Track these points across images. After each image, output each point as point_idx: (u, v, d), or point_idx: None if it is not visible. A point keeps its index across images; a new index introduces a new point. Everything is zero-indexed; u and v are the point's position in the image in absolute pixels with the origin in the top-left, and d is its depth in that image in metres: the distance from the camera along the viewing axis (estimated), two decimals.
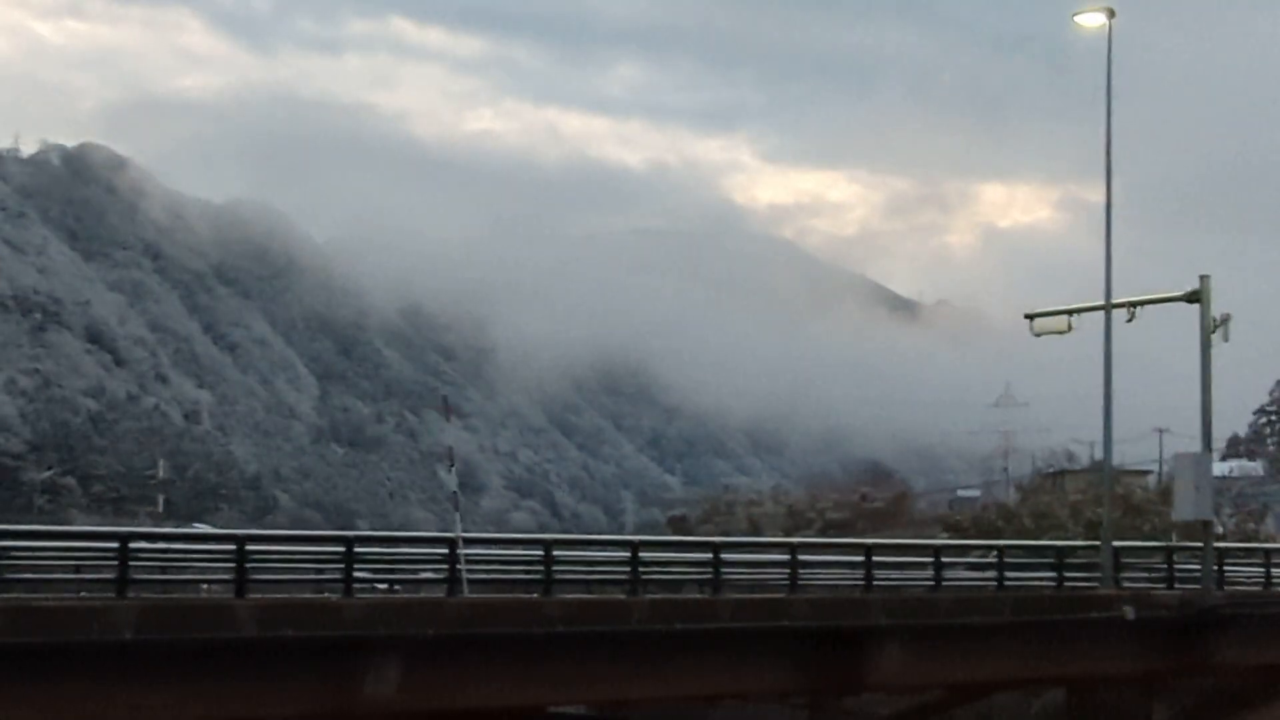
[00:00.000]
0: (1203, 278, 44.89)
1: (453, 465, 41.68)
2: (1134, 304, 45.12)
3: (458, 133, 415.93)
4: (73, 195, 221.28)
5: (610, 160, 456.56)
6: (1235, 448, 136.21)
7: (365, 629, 34.22)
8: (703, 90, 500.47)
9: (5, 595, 31.77)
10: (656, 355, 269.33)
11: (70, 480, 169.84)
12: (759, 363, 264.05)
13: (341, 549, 35.86)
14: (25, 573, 33.09)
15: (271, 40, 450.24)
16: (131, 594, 33.76)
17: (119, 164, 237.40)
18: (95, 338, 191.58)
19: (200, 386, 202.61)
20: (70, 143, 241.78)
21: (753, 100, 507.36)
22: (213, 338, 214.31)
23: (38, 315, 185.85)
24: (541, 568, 36.92)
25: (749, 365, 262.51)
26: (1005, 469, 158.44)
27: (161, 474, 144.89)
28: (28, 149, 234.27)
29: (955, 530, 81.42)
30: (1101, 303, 45.29)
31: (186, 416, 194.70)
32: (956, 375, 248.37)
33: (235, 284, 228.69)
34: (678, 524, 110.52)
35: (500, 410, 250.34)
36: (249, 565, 34.47)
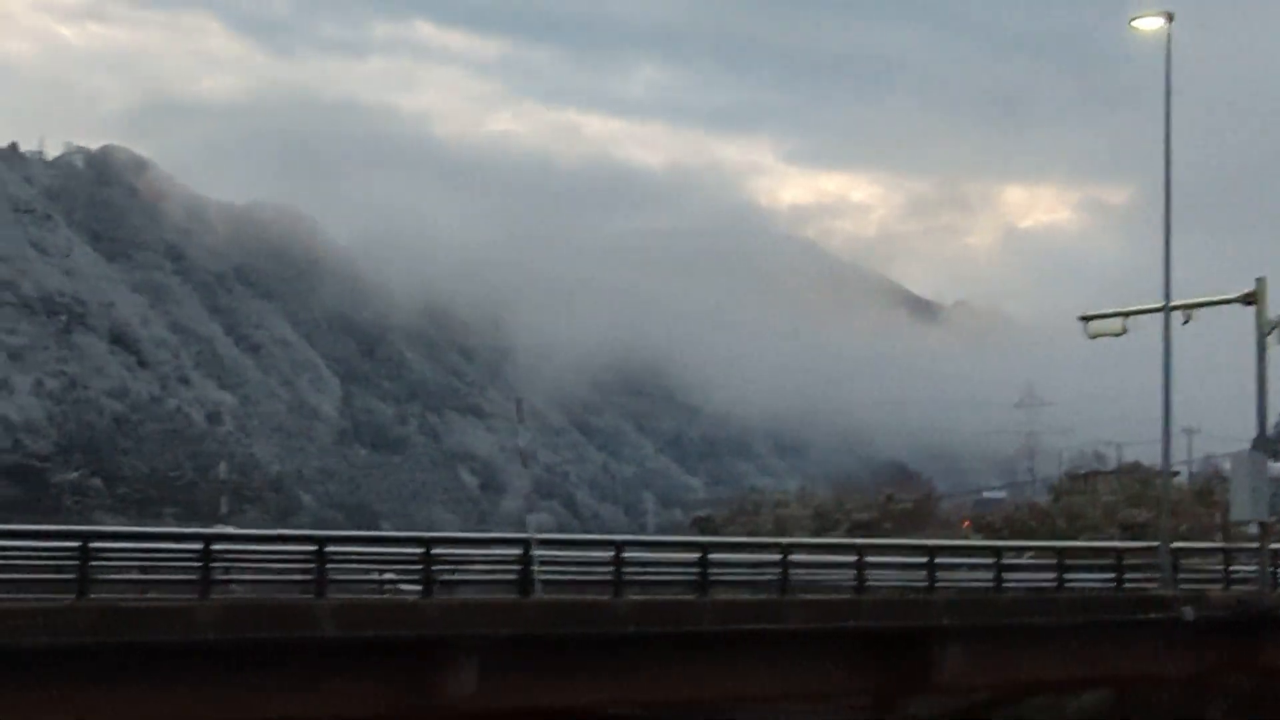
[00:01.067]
0: (1259, 280, 45.18)
1: (526, 464, 41.91)
2: (1191, 306, 45.35)
3: (478, 134, 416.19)
4: (96, 197, 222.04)
5: (631, 162, 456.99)
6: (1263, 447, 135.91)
7: (444, 629, 34.67)
8: (723, 91, 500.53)
9: (92, 596, 32.15)
10: (677, 356, 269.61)
11: (97, 481, 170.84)
12: (780, 363, 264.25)
13: (420, 550, 36.17)
14: (111, 574, 33.43)
15: (293, 42, 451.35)
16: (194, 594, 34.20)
17: (141, 166, 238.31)
18: (119, 339, 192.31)
19: (223, 388, 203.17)
20: (93, 145, 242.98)
21: (774, 101, 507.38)
22: (235, 339, 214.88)
23: (63, 317, 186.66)
24: (611, 569, 37.21)
25: (770, 366, 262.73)
26: (1030, 469, 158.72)
27: (224, 475, 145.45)
28: (52, 152, 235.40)
29: (987, 531, 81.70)
30: (1157, 305, 45.54)
31: (209, 418, 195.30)
32: (977, 376, 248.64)
33: (257, 285, 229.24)
34: (703, 525, 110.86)
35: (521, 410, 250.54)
36: (329, 566, 34.79)
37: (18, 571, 33.12)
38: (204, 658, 32.74)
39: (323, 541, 35.37)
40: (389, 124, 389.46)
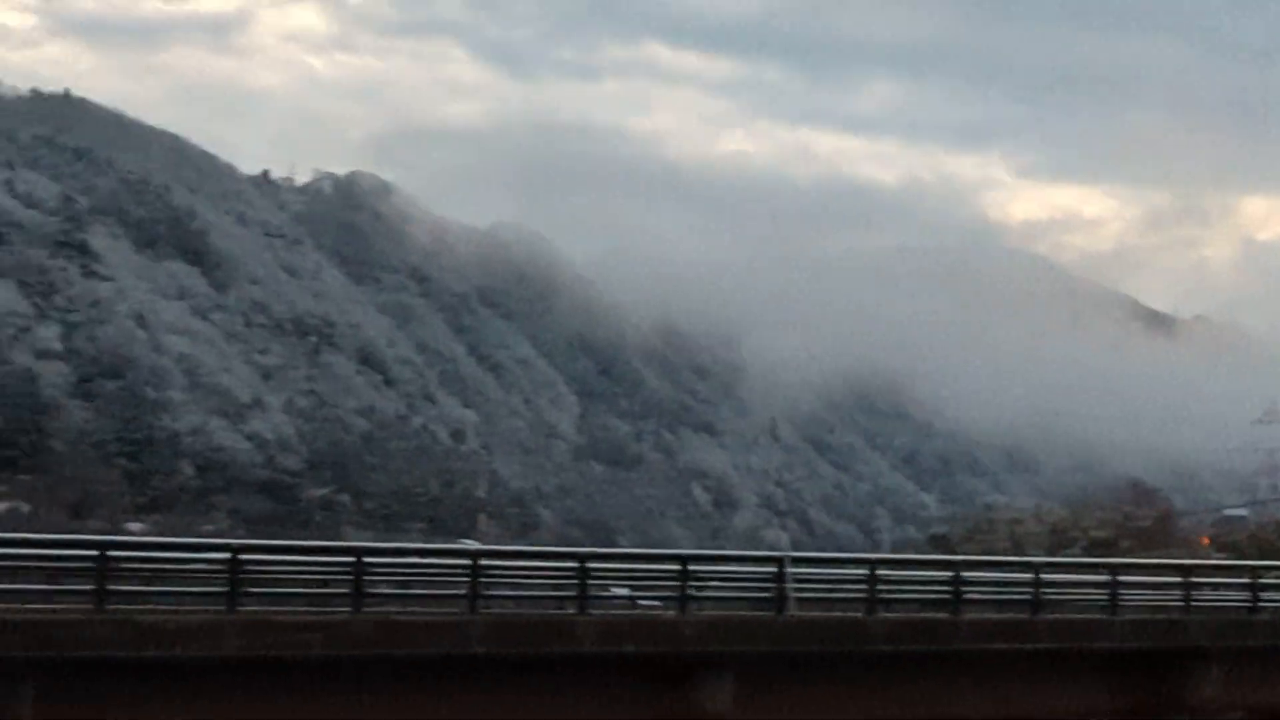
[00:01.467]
0: None
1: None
2: None
3: (711, 154, 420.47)
4: (343, 222, 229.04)
5: (864, 179, 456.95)
6: None
7: (701, 646, 35.70)
8: (957, 107, 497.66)
9: (375, 609, 33.80)
10: (910, 372, 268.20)
11: (345, 497, 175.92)
12: (1014, 379, 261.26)
13: (677, 567, 37.23)
14: (385, 587, 35.07)
15: (533, 68, 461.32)
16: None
17: (385, 191, 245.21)
18: (366, 359, 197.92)
19: (466, 406, 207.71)
20: (341, 171, 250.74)
21: (1008, 116, 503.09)
22: (477, 359, 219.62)
23: (313, 338, 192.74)
24: (864, 586, 37.92)
25: (1003, 382, 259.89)
26: (1276, 487, 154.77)
27: (481, 493, 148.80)
28: (301, 178, 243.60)
29: (1230, 550, 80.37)
30: None
31: (453, 435, 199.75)
32: (1215, 392, 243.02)
33: (498, 306, 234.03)
34: (939, 543, 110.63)
35: (753, 428, 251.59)
36: (590, 582, 36.01)
37: (296, 585, 34.96)
38: (470, 670, 33.98)
39: (584, 558, 36.67)
40: (622, 145, 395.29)
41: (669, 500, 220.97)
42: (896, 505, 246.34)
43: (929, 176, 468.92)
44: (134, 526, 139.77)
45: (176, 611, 32.62)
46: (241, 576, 32.61)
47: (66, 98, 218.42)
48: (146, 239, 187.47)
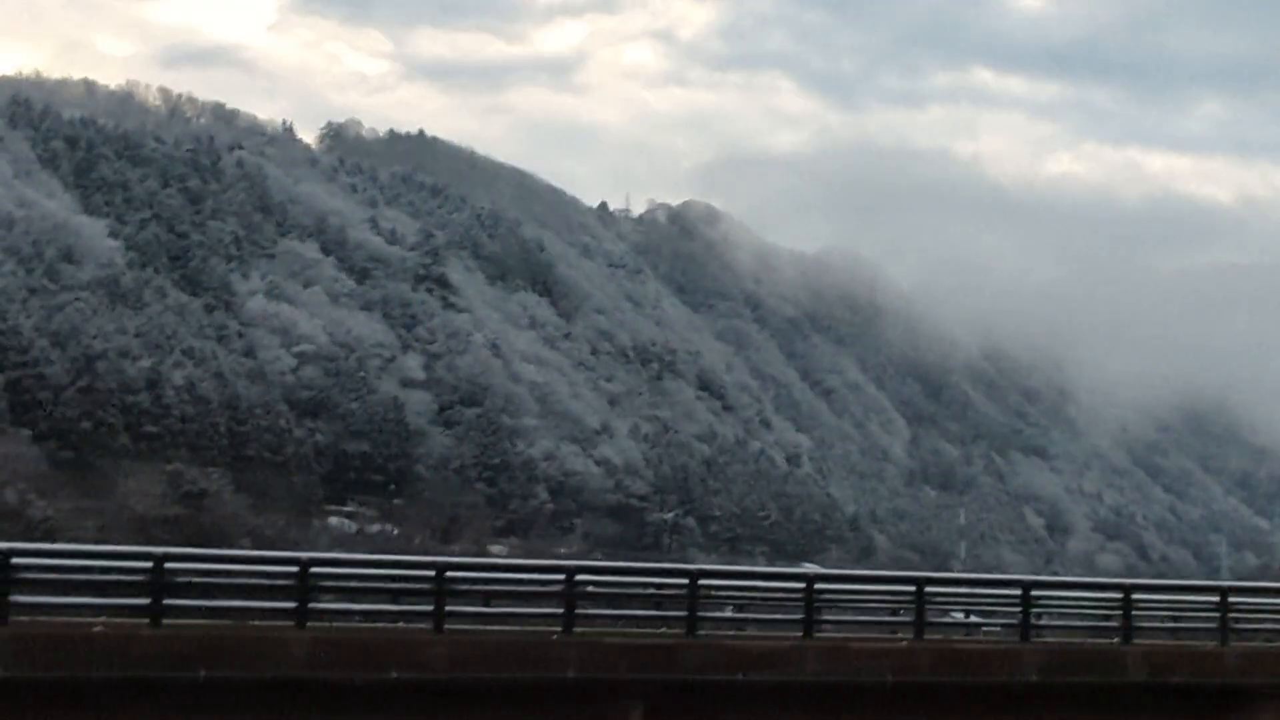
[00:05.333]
0: None
1: None
2: None
3: (1037, 175, 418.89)
4: (679, 251, 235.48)
5: (1195, 197, 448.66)
6: None
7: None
8: None
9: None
10: (1244, 394, 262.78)
11: (690, 521, 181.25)
12: None
13: (1119, 595, 38.48)
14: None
15: (857, 97, 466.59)
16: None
17: (715, 218, 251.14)
18: (705, 385, 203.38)
19: (799, 431, 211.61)
20: (674, 201, 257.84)
21: None
22: (809, 384, 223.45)
23: (655, 365, 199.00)
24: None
25: None
26: None
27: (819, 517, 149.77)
28: (637, 209, 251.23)
29: None
30: None
31: (789, 460, 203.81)
32: None
33: (828, 331, 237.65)
34: None
35: (1084, 451, 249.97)
36: (1034, 610, 37.61)
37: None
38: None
39: (1028, 586, 37.72)
40: (946, 169, 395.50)
41: (1001, 524, 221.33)
42: (1232, 530, 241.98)
43: (1264, 192, 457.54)
44: (495, 549, 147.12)
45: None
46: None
47: (421, 137, 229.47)
48: (499, 271, 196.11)
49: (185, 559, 30.69)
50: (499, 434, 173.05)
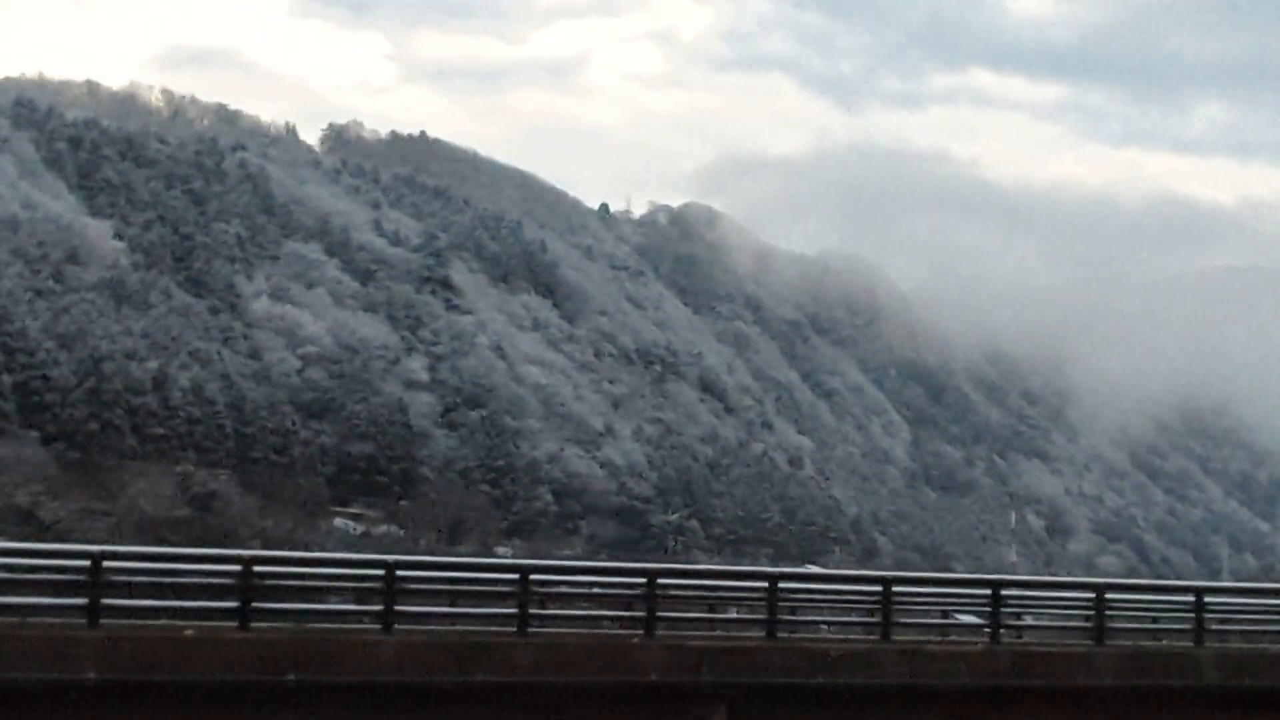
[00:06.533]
0: None
1: None
2: None
3: (1037, 178, 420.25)
4: (679, 252, 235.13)
5: (1196, 199, 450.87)
6: None
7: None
8: None
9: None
10: (1243, 396, 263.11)
11: (694, 523, 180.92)
12: None
13: (1191, 599, 38.23)
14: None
15: (858, 99, 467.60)
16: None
17: (715, 220, 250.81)
18: (708, 387, 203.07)
19: (801, 433, 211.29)
20: (674, 203, 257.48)
21: None
22: (810, 385, 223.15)
23: (658, 367, 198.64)
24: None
25: None
26: None
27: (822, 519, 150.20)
28: (637, 210, 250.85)
29: None
30: None
31: (791, 462, 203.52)
32: None
33: (829, 333, 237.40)
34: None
35: (1084, 453, 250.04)
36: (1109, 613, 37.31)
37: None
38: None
39: (1104, 590, 37.96)
40: (946, 170, 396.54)
41: (1002, 526, 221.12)
42: (1233, 533, 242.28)
43: (1264, 195, 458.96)
44: (501, 550, 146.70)
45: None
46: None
47: (422, 139, 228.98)
48: (501, 273, 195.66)
49: (272, 561, 30.31)
50: (503, 436, 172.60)
